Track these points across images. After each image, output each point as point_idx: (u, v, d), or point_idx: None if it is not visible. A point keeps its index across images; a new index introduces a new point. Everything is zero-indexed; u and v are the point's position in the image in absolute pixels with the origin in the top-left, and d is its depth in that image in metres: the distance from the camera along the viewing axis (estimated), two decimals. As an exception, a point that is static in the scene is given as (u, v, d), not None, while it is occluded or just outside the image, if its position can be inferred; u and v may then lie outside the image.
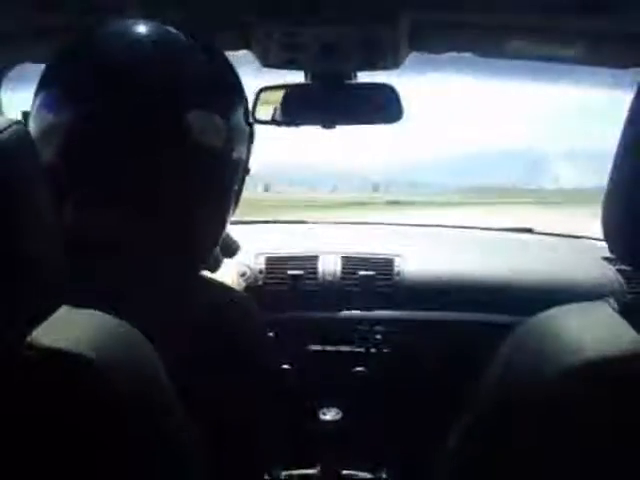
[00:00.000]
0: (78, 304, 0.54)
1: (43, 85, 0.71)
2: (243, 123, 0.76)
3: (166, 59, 0.70)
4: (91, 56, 0.70)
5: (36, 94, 0.71)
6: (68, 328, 0.52)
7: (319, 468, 1.34)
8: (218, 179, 0.74)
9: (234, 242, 0.96)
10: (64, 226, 0.64)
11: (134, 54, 0.69)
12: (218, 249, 0.86)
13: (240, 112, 0.76)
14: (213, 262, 0.86)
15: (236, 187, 0.79)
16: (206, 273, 0.83)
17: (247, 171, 0.81)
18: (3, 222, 0.46)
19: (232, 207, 0.80)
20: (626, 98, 0.59)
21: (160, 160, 0.68)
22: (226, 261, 0.94)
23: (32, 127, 0.69)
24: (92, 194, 0.69)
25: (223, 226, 0.80)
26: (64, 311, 0.53)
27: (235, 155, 0.75)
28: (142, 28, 0.71)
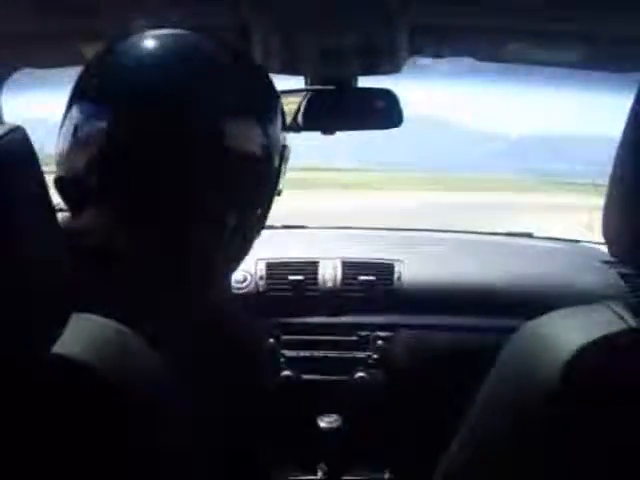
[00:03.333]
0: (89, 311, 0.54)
1: (76, 95, 0.69)
2: (280, 131, 0.74)
3: (200, 69, 0.69)
4: (125, 65, 0.68)
5: (69, 104, 0.69)
6: (75, 336, 0.52)
7: (320, 474, 1.34)
8: (255, 187, 0.72)
9: None
10: (85, 234, 0.65)
11: (167, 63, 0.68)
12: None
13: (277, 120, 0.74)
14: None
15: (271, 197, 0.75)
16: None
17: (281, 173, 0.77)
18: (4, 230, 0.46)
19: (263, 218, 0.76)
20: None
21: (195, 169, 0.67)
22: None
23: (63, 137, 0.68)
24: (125, 204, 0.68)
25: (253, 237, 0.76)
26: (71, 319, 0.53)
27: (272, 164, 0.73)
28: (179, 35, 0.70)
